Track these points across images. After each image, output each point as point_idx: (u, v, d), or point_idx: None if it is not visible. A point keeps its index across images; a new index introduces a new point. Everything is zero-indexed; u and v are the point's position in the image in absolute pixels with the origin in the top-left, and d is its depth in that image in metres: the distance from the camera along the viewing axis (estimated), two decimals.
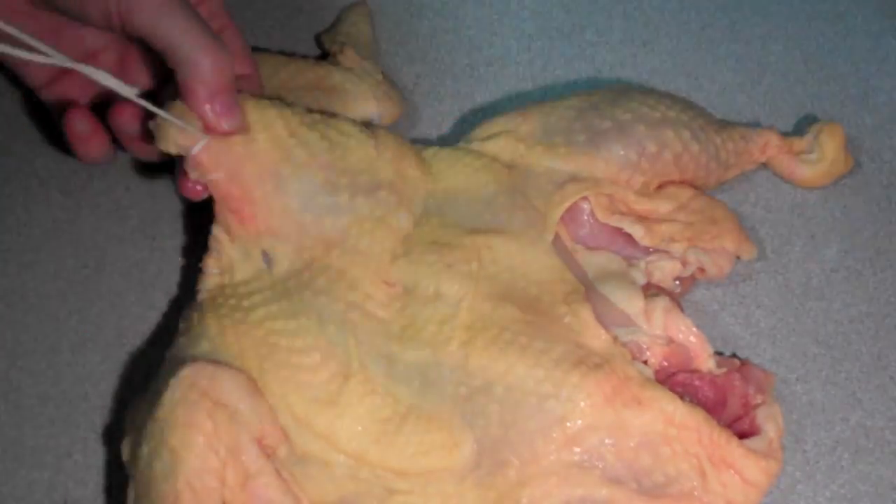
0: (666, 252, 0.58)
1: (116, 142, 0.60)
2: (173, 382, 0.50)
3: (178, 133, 0.53)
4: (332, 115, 0.59)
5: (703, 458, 0.51)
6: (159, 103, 0.54)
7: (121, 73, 0.60)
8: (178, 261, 0.63)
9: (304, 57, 0.68)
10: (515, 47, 0.72)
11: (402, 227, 0.57)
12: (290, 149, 0.55)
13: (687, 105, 0.62)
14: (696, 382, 0.55)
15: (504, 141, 0.60)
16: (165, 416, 0.49)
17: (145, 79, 0.61)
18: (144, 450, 0.50)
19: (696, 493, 0.50)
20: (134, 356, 0.60)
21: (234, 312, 0.54)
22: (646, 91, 0.63)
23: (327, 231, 0.55)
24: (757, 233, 0.63)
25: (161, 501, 0.48)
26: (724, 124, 0.63)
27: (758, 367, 0.56)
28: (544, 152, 0.59)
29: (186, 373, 0.50)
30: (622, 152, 0.58)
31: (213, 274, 0.56)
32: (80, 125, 0.58)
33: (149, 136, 0.55)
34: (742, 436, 0.52)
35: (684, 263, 0.58)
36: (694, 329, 0.55)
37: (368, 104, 0.64)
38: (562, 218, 0.58)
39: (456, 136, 0.66)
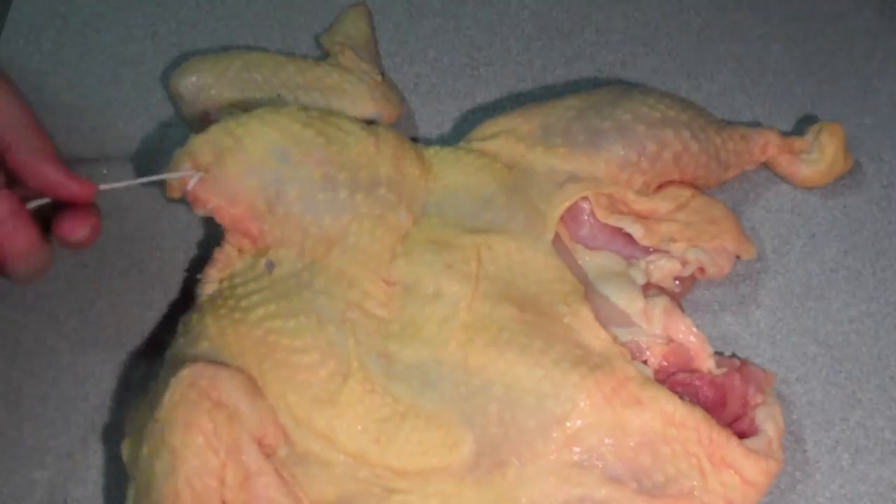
0: (666, 252, 0.58)
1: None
2: (173, 382, 0.50)
3: (174, 181, 0.56)
4: (332, 112, 0.60)
5: (702, 457, 0.51)
6: None
7: None
8: (178, 261, 0.63)
9: (304, 57, 0.68)
10: (515, 47, 0.72)
11: (401, 225, 0.57)
12: (284, 150, 0.56)
13: (687, 105, 0.62)
14: (696, 382, 0.55)
15: (504, 141, 0.60)
16: (165, 416, 0.49)
17: None
18: (144, 450, 0.50)
19: (695, 493, 0.50)
20: (134, 356, 0.60)
21: (234, 312, 0.54)
22: (646, 91, 0.63)
23: (327, 229, 0.55)
24: (757, 233, 0.63)
25: (161, 501, 0.48)
26: (724, 124, 0.63)
27: (758, 367, 0.56)
28: (544, 152, 0.59)
29: (186, 373, 0.50)
30: (622, 152, 0.58)
31: (213, 282, 0.56)
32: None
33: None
34: (742, 436, 0.52)
35: (684, 263, 0.58)
36: (694, 329, 0.55)
37: (367, 105, 0.64)
38: (562, 218, 0.58)
39: (456, 136, 0.66)
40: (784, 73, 0.70)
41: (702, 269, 0.59)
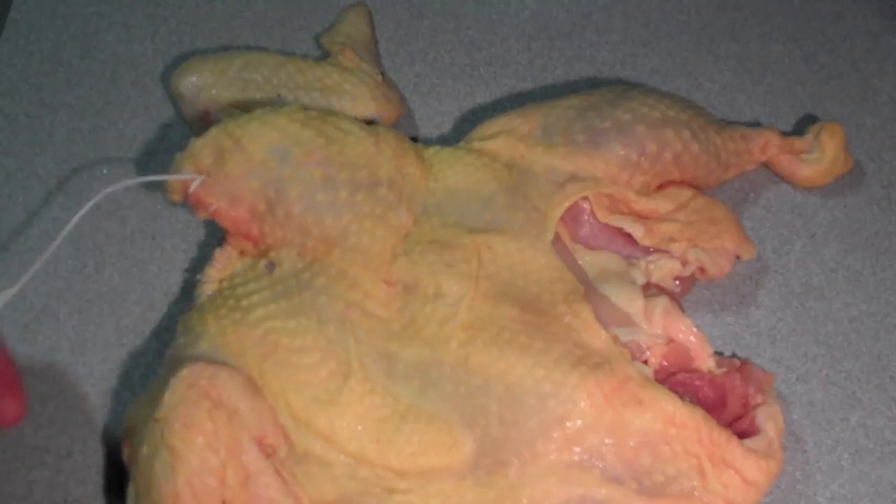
0: (666, 252, 0.58)
1: None
2: (173, 382, 0.50)
3: (175, 183, 0.56)
4: (332, 112, 0.60)
5: (702, 457, 0.51)
6: None
7: None
8: (178, 261, 0.63)
9: (304, 57, 0.68)
10: (515, 47, 0.72)
11: (402, 224, 0.57)
12: (284, 150, 0.56)
13: (687, 105, 0.62)
14: (696, 382, 0.55)
15: (504, 141, 0.60)
16: (165, 416, 0.49)
17: None
18: (144, 450, 0.50)
19: (695, 493, 0.50)
20: (134, 356, 0.60)
21: (234, 312, 0.54)
22: (646, 91, 0.63)
23: (328, 229, 0.55)
24: (757, 233, 0.63)
25: (161, 501, 0.48)
26: (724, 124, 0.63)
27: (758, 367, 0.56)
28: (544, 152, 0.59)
29: (186, 373, 0.50)
30: (622, 152, 0.58)
31: (213, 282, 0.57)
32: None
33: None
34: (742, 436, 0.52)
35: (684, 263, 0.58)
36: (694, 329, 0.55)
37: (367, 105, 0.64)
38: (562, 217, 0.58)
39: (456, 136, 0.66)
40: (784, 73, 0.70)
41: (702, 269, 0.59)
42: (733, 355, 0.59)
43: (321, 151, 0.56)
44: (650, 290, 0.58)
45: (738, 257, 0.60)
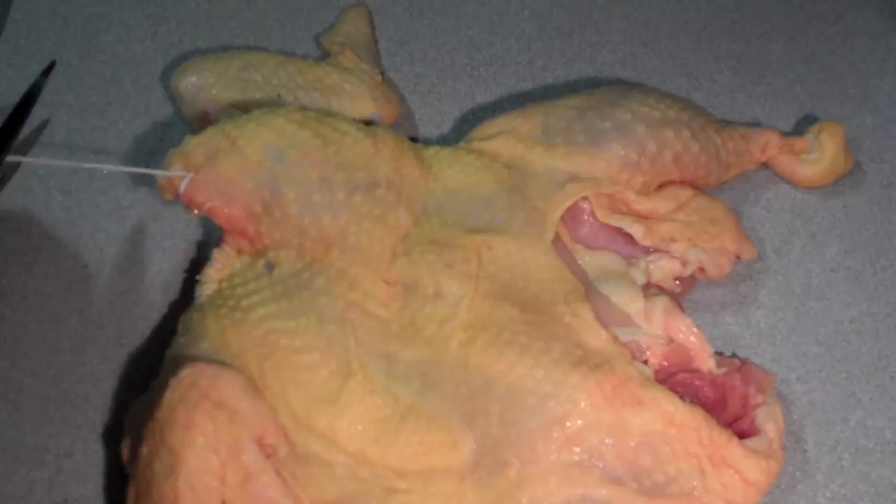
0: (666, 252, 0.58)
1: None
2: (173, 383, 0.50)
3: (166, 181, 0.56)
4: (330, 113, 0.60)
5: (703, 457, 0.51)
6: None
7: None
8: (178, 261, 0.63)
9: (304, 57, 0.68)
10: (515, 47, 0.72)
11: (401, 225, 0.57)
12: (280, 151, 0.56)
13: (687, 105, 0.62)
14: (696, 382, 0.55)
15: (504, 141, 0.60)
16: (165, 417, 0.49)
17: None
18: (144, 450, 0.50)
19: (695, 493, 0.50)
20: (134, 356, 0.60)
21: (234, 312, 0.54)
22: (646, 91, 0.63)
23: (326, 230, 0.55)
24: (757, 233, 0.63)
25: (161, 501, 0.48)
26: (724, 124, 0.63)
27: (758, 367, 0.56)
28: (544, 152, 0.59)
29: (186, 373, 0.50)
30: (622, 152, 0.59)
31: (212, 282, 0.56)
32: None
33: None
34: (742, 436, 0.52)
35: (684, 263, 0.58)
36: (694, 329, 0.55)
37: (367, 105, 0.64)
38: (562, 218, 0.58)
39: (456, 136, 0.66)
40: (784, 73, 0.71)
41: (702, 269, 0.59)
42: (733, 355, 0.59)
43: (318, 153, 0.56)
44: (650, 290, 0.58)
45: (738, 257, 0.60)
